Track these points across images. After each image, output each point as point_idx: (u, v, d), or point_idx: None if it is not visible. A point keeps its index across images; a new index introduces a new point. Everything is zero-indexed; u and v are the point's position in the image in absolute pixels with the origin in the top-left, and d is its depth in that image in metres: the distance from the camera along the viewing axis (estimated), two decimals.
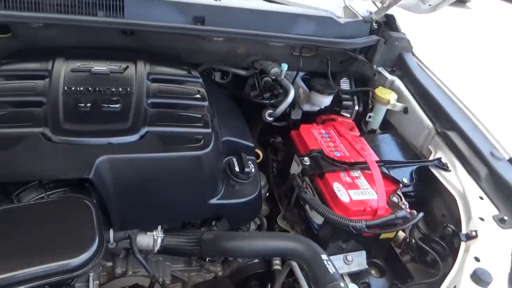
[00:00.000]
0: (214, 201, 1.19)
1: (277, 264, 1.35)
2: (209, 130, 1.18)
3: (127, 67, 1.31)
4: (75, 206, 0.91)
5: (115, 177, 1.04)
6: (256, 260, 1.42)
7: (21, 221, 0.86)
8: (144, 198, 1.10)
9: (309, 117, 1.73)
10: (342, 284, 0.93)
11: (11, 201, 0.97)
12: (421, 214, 1.18)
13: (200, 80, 1.37)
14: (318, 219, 1.28)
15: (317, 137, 1.44)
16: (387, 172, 1.32)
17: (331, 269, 0.97)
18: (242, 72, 1.74)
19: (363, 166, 1.30)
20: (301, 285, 1.11)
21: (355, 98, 1.74)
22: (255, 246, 1.06)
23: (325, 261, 0.99)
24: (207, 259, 1.35)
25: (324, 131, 1.49)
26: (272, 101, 1.59)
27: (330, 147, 1.40)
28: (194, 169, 1.13)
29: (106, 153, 1.02)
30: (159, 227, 1.18)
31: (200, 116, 1.22)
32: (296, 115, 1.76)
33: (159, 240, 1.16)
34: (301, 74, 1.80)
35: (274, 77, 1.60)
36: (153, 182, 1.10)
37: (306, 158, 1.33)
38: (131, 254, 1.25)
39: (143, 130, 1.10)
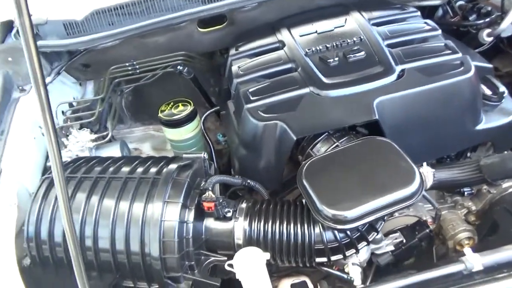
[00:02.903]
0: (481, 126, 1.14)
1: None
2: (460, 55, 1.12)
3: (345, 19, 1.32)
4: (383, 145, 0.96)
5: (389, 117, 1.06)
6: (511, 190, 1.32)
7: (348, 162, 0.94)
8: (415, 134, 1.11)
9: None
10: None
11: (308, 156, 1.07)
12: None
13: (419, 13, 1.32)
14: None
15: None
16: None
17: None
18: (435, 2, 1.63)
19: None
20: None
21: None
22: None
23: None
24: (465, 193, 1.30)
25: None
26: (486, 20, 1.45)
27: None
28: (461, 95, 1.09)
29: (377, 96, 1.05)
30: (425, 164, 1.18)
31: (443, 44, 1.17)
32: (507, 32, 1.58)
33: (430, 176, 1.16)
34: None
35: None
36: (423, 117, 1.10)
37: None
38: None
39: (399, 69, 1.10)
